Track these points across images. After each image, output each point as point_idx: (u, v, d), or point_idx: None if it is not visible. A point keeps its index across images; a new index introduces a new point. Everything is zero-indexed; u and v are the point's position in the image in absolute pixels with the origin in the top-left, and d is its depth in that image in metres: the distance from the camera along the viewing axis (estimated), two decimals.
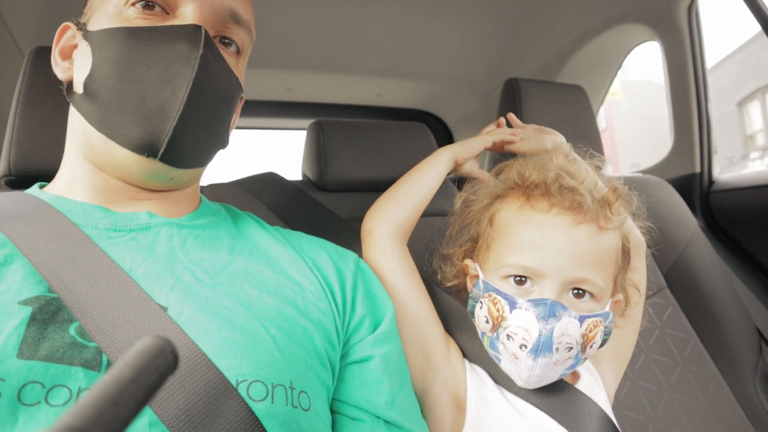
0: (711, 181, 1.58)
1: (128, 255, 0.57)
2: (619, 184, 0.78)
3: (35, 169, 0.82)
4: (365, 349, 0.66)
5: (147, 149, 0.58)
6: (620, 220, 0.75)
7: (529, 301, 0.69)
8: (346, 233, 0.96)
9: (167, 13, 0.62)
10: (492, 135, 0.97)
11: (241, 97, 0.74)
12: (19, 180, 0.82)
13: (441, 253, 0.89)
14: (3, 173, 0.82)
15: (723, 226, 1.52)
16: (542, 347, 0.67)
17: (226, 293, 0.57)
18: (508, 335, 0.70)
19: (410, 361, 0.75)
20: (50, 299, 0.50)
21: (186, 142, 0.60)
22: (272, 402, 0.51)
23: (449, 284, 0.86)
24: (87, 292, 0.50)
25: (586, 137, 1.36)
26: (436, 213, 1.19)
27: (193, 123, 0.60)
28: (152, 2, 0.61)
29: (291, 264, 0.67)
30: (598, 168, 0.85)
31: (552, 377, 0.71)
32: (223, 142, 0.70)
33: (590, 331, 0.69)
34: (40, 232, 0.55)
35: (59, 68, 0.69)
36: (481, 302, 0.74)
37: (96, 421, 0.24)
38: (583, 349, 0.70)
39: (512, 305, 0.70)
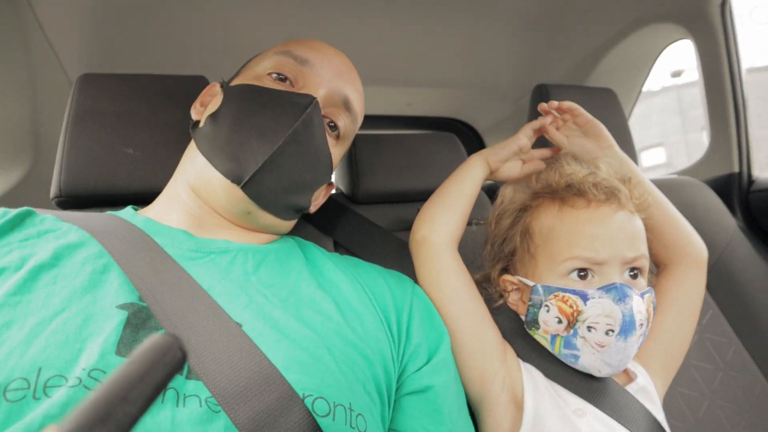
0: (750, 181, 1.54)
1: (207, 275, 0.63)
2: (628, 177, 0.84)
3: (83, 191, 0.86)
4: (424, 379, 0.68)
5: (234, 176, 0.68)
6: (645, 202, 0.82)
7: (599, 289, 0.72)
8: (389, 244, 0.98)
9: (293, 86, 0.74)
10: (523, 131, 0.95)
11: (330, 184, 0.84)
12: (69, 200, 0.87)
13: (477, 281, 0.89)
14: (55, 195, 0.87)
15: (764, 226, 1.48)
16: (629, 327, 0.70)
17: (294, 316, 0.62)
18: (588, 327, 0.72)
19: (470, 368, 0.77)
20: (142, 307, 0.55)
21: (267, 181, 0.69)
22: (333, 420, 0.53)
23: (497, 304, 0.86)
24: (172, 305, 0.55)
25: (617, 141, 1.34)
26: (470, 222, 1.20)
27: (280, 167, 0.69)
28: (284, 76, 0.74)
29: (352, 293, 0.71)
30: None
31: (633, 354, 0.74)
32: (303, 202, 0.78)
33: (648, 307, 0.75)
34: (130, 248, 0.62)
35: (195, 111, 0.82)
36: (546, 306, 0.76)
37: (105, 418, 0.25)
38: (648, 323, 0.75)
39: (584, 298, 0.72)
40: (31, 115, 1.27)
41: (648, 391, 0.81)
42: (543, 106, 0.96)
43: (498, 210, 0.89)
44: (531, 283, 0.78)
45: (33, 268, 0.56)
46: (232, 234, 0.73)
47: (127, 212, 0.75)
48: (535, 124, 0.95)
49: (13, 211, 0.65)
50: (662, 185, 1.36)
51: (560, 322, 0.74)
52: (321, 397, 0.54)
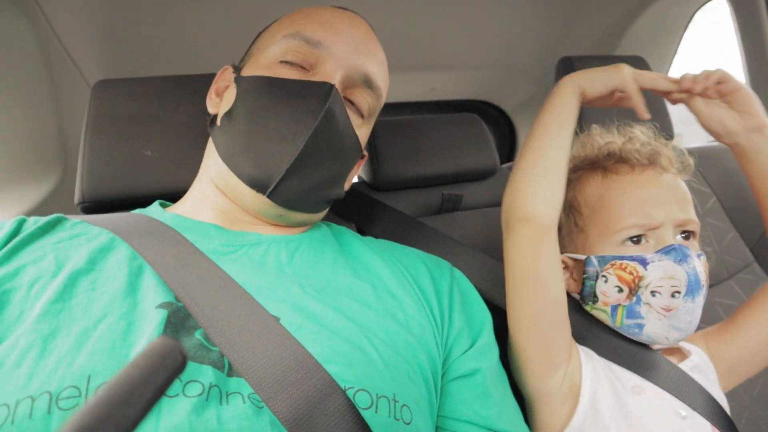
0: None
1: (242, 269, 0.62)
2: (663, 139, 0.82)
3: (105, 195, 0.87)
4: (470, 363, 0.67)
5: (258, 185, 0.66)
6: (687, 163, 0.80)
7: (657, 252, 0.70)
8: (412, 228, 0.95)
9: (308, 71, 0.69)
10: (632, 73, 0.75)
11: (363, 155, 0.81)
12: (93, 205, 0.88)
13: None
14: (78, 200, 0.88)
15: None
16: (695, 286, 0.68)
17: (331, 307, 0.60)
18: (652, 292, 0.70)
19: (534, 362, 0.72)
20: (179, 307, 0.55)
21: (295, 186, 0.66)
22: (376, 412, 0.52)
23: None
24: (208, 303, 0.55)
25: (651, 110, 1.28)
26: (497, 203, 1.16)
27: (306, 170, 0.66)
28: (297, 63, 0.69)
29: (391, 277, 0.70)
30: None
31: (698, 319, 0.71)
32: (334, 194, 0.76)
33: (705, 268, 0.72)
34: (162, 247, 0.61)
35: (211, 102, 0.79)
36: (604, 276, 0.73)
37: (105, 422, 0.24)
38: (706, 287, 0.72)
39: (643, 263, 0.70)
40: (57, 124, 1.29)
41: (702, 369, 0.77)
42: (686, 80, 0.74)
43: None
44: (583, 257, 0.76)
45: (71, 274, 0.56)
46: (265, 228, 0.72)
47: (155, 209, 0.75)
48: (668, 84, 0.75)
49: (45, 218, 0.66)
50: (701, 154, 1.30)
51: (621, 291, 0.72)
52: (363, 389, 0.52)
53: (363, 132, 0.75)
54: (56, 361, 0.47)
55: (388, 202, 1.06)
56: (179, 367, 0.29)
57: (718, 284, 1.15)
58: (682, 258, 0.68)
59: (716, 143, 1.51)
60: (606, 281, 0.73)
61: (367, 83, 0.72)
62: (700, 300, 0.69)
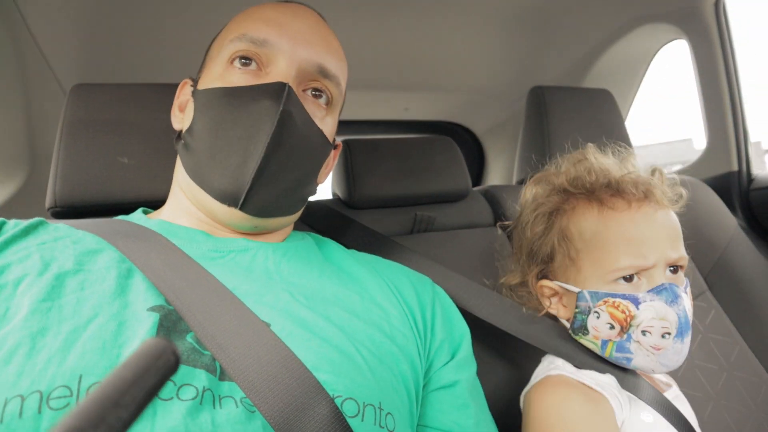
0: (750, 179, 1.53)
1: (230, 274, 0.62)
2: (658, 167, 0.83)
3: (78, 201, 0.85)
4: (450, 375, 0.69)
5: (228, 199, 0.65)
6: (679, 195, 0.80)
7: (649, 292, 0.71)
8: (383, 246, 0.96)
9: (260, 70, 0.68)
10: None
11: (336, 146, 0.80)
12: (64, 211, 0.86)
13: (508, 286, 0.87)
14: (50, 205, 0.86)
15: (764, 224, 1.47)
16: (684, 327, 0.70)
17: (321, 315, 0.60)
18: (643, 331, 0.71)
19: None
20: (170, 310, 0.55)
21: (265, 194, 0.66)
22: (362, 420, 0.53)
23: (541, 314, 0.83)
24: (198, 307, 0.55)
25: (611, 132, 1.34)
26: (468, 225, 1.19)
27: (272, 176, 0.65)
28: (249, 59, 0.68)
29: (376, 289, 0.71)
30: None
31: (685, 356, 0.73)
32: (307, 192, 0.75)
33: (691, 300, 0.75)
34: (149, 251, 0.61)
35: (176, 119, 0.78)
36: (596, 312, 0.74)
37: (97, 423, 0.24)
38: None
39: (635, 302, 0.71)
40: (26, 126, 1.26)
41: (683, 401, 0.81)
42: None
43: (528, 213, 0.86)
44: (576, 289, 0.77)
45: (58, 275, 0.55)
46: (249, 235, 0.72)
47: (138, 216, 0.75)
48: None
49: (26, 221, 0.64)
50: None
51: (612, 327, 0.73)
52: (350, 398, 0.53)
53: (328, 123, 0.74)
54: (46, 359, 0.46)
55: (362, 220, 1.07)
56: (172, 368, 0.29)
57: None
58: (673, 299, 0.70)
59: (674, 175, 1.59)
60: (598, 317, 0.74)
61: (323, 73, 0.70)
62: (688, 340, 0.70)
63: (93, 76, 1.37)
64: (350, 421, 0.51)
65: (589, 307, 0.75)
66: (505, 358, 0.94)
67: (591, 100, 1.38)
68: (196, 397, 0.47)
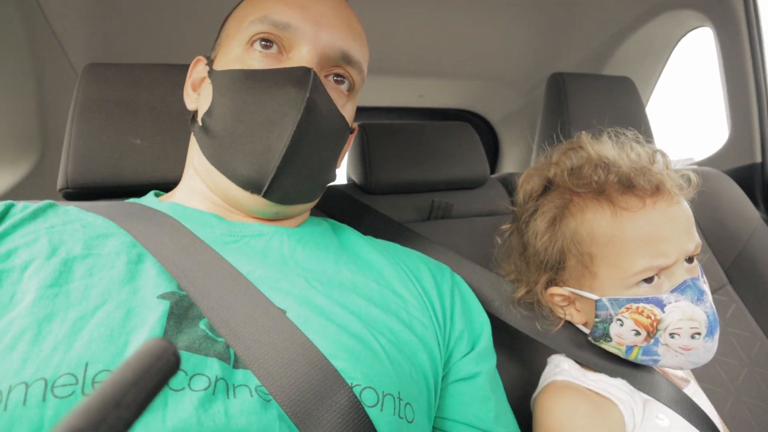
0: None
1: (244, 259, 0.61)
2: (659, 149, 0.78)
3: (90, 182, 0.84)
4: (470, 366, 0.67)
5: (252, 186, 0.64)
6: (690, 182, 0.75)
7: (672, 292, 0.67)
8: (399, 234, 0.94)
9: (282, 54, 0.66)
10: None
11: (353, 129, 0.78)
12: (76, 192, 0.85)
13: (515, 299, 0.81)
14: (61, 186, 0.85)
15: None
16: (714, 325, 0.67)
17: (337, 302, 0.59)
18: (671, 334, 0.67)
19: None
20: (182, 296, 0.54)
21: (289, 182, 0.64)
22: (381, 410, 0.52)
23: (557, 328, 0.78)
24: (212, 292, 0.53)
25: (637, 131, 1.31)
26: (486, 213, 1.18)
27: (297, 163, 0.64)
28: (270, 41, 0.66)
29: (394, 276, 0.69)
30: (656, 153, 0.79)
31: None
32: (328, 178, 0.74)
33: (707, 283, 0.72)
34: (161, 235, 0.60)
35: (189, 98, 0.76)
36: (619, 320, 0.70)
37: (99, 423, 0.24)
38: None
39: (660, 305, 0.67)
40: (38, 106, 1.26)
41: (701, 396, 0.78)
42: None
43: (528, 213, 0.79)
44: (593, 297, 0.72)
45: (66, 259, 0.54)
46: (264, 220, 0.70)
47: (150, 199, 0.73)
48: None
49: (35, 203, 0.63)
50: (681, 176, 1.33)
51: (638, 334, 0.69)
52: (369, 387, 0.52)
53: (349, 108, 0.72)
54: (52, 346, 0.45)
55: (378, 205, 1.06)
56: (172, 369, 0.29)
57: None
58: (699, 296, 0.66)
59: (695, 165, 1.56)
60: (621, 324, 0.70)
61: (346, 59, 0.68)
62: (717, 335, 0.67)
63: (104, 56, 1.36)
64: (369, 410, 0.50)
65: (610, 315, 0.70)
66: (517, 356, 0.93)
67: (612, 87, 1.35)
68: (208, 387, 0.46)
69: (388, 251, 0.74)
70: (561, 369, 0.76)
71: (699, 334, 0.66)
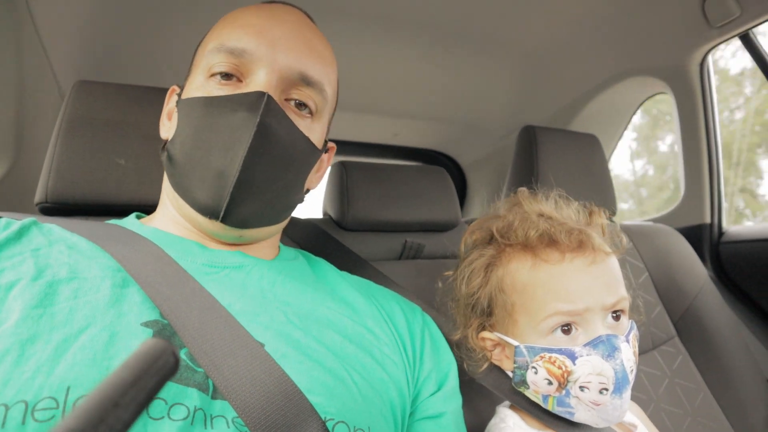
0: (721, 232, 1.60)
1: (225, 291, 0.61)
2: (596, 209, 0.81)
3: (70, 198, 0.84)
4: (437, 406, 0.68)
5: (209, 212, 0.64)
6: (620, 242, 0.78)
7: (585, 346, 0.69)
8: (366, 273, 0.96)
9: (241, 81, 0.67)
10: None
11: (329, 149, 0.79)
12: (54, 207, 0.85)
13: (453, 341, 0.82)
14: (40, 200, 0.84)
15: (732, 277, 1.54)
16: (622, 382, 0.67)
17: (314, 337, 0.60)
18: (581, 387, 0.68)
19: None
20: (164, 324, 0.54)
21: (246, 206, 0.65)
22: None
23: (482, 369, 0.80)
24: (194, 323, 0.54)
25: (599, 185, 1.39)
26: (456, 255, 1.21)
27: (252, 187, 0.64)
28: (228, 73, 0.66)
29: (368, 314, 0.70)
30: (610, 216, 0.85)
31: (627, 410, 0.71)
32: (293, 201, 0.74)
33: (635, 346, 0.72)
34: (146, 263, 0.60)
35: (164, 128, 0.76)
36: (534, 367, 0.71)
37: (97, 424, 0.24)
38: (636, 363, 0.72)
39: (572, 357, 0.68)
40: (15, 117, 1.24)
41: None
42: None
43: (465, 265, 0.83)
44: (514, 343, 0.74)
45: (52, 281, 0.54)
46: (241, 247, 0.71)
47: (132, 221, 0.74)
48: None
49: (18, 222, 0.63)
50: (638, 231, 1.41)
51: (550, 383, 0.70)
52: (342, 421, 0.53)
53: (316, 129, 0.72)
54: (34, 368, 0.45)
55: (352, 242, 1.08)
56: (172, 369, 0.29)
57: (643, 353, 1.24)
58: (610, 353, 0.67)
59: (652, 222, 1.65)
60: (536, 373, 0.71)
61: (305, 81, 0.68)
62: (627, 395, 0.68)
63: (90, 74, 1.36)
64: None
65: (526, 362, 0.72)
66: (467, 402, 0.94)
67: (579, 143, 1.43)
68: (187, 417, 0.47)
69: (362, 288, 0.76)
70: (505, 425, 0.77)
71: (606, 389, 0.67)
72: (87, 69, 1.36)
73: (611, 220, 1.33)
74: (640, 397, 1.15)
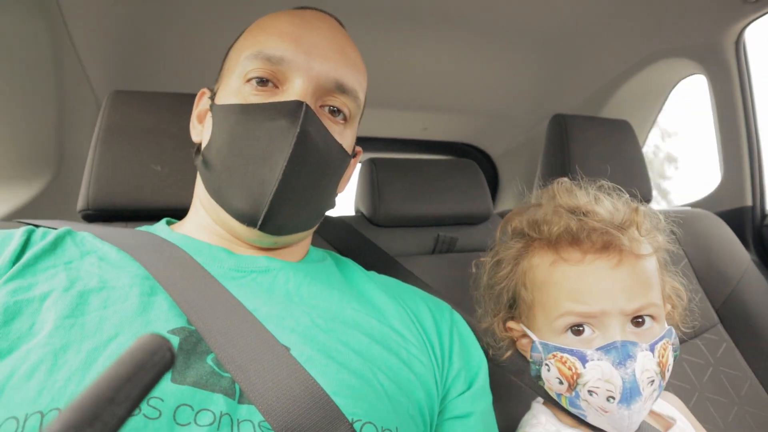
0: (764, 214, 1.55)
1: (251, 295, 0.62)
2: (641, 205, 0.76)
3: (110, 206, 0.87)
4: (465, 405, 0.68)
5: (248, 220, 0.65)
6: (656, 242, 0.74)
7: (598, 350, 0.66)
8: (395, 272, 0.97)
9: (277, 87, 0.68)
10: None
11: (356, 154, 0.79)
12: (96, 214, 0.88)
13: (483, 330, 0.83)
14: (82, 207, 0.88)
15: None
16: (630, 394, 0.64)
17: (339, 339, 0.61)
18: (589, 391, 0.66)
19: None
20: (191, 331, 0.55)
21: (284, 214, 0.66)
22: None
23: (506, 356, 0.80)
24: (220, 328, 0.55)
25: (633, 172, 1.36)
26: (487, 248, 1.20)
27: (291, 196, 0.65)
28: (265, 78, 0.67)
29: (395, 314, 0.70)
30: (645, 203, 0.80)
31: (644, 415, 0.68)
32: (327, 206, 0.75)
33: (662, 356, 0.68)
34: (173, 269, 0.61)
35: (195, 131, 0.77)
36: (547, 365, 0.70)
37: (93, 419, 0.25)
38: (663, 376, 0.67)
39: (583, 359, 0.66)
40: (56, 128, 1.29)
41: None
42: None
43: (494, 254, 0.83)
44: (533, 337, 0.73)
45: (82, 292, 0.56)
46: (269, 251, 0.72)
47: (162, 228, 0.75)
48: None
49: (54, 232, 0.65)
50: (679, 216, 1.37)
51: (561, 383, 0.69)
52: (369, 422, 0.53)
53: (347, 136, 0.73)
54: (66, 377, 0.47)
55: (385, 237, 1.09)
56: (167, 364, 0.29)
57: (684, 342, 1.21)
58: (621, 360, 0.64)
59: (689, 207, 1.61)
60: (549, 370, 0.70)
61: (341, 89, 0.69)
62: (636, 407, 0.64)
63: (125, 84, 1.40)
64: None
65: (541, 358, 0.72)
66: (498, 402, 0.94)
67: (611, 129, 1.40)
68: (213, 423, 0.48)
69: (389, 288, 0.76)
70: (537, 420, 0.76)
71: (613, 398, 0.65)
72: (122, 78, 1.40)
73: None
74: (683, 386, 1.13)
